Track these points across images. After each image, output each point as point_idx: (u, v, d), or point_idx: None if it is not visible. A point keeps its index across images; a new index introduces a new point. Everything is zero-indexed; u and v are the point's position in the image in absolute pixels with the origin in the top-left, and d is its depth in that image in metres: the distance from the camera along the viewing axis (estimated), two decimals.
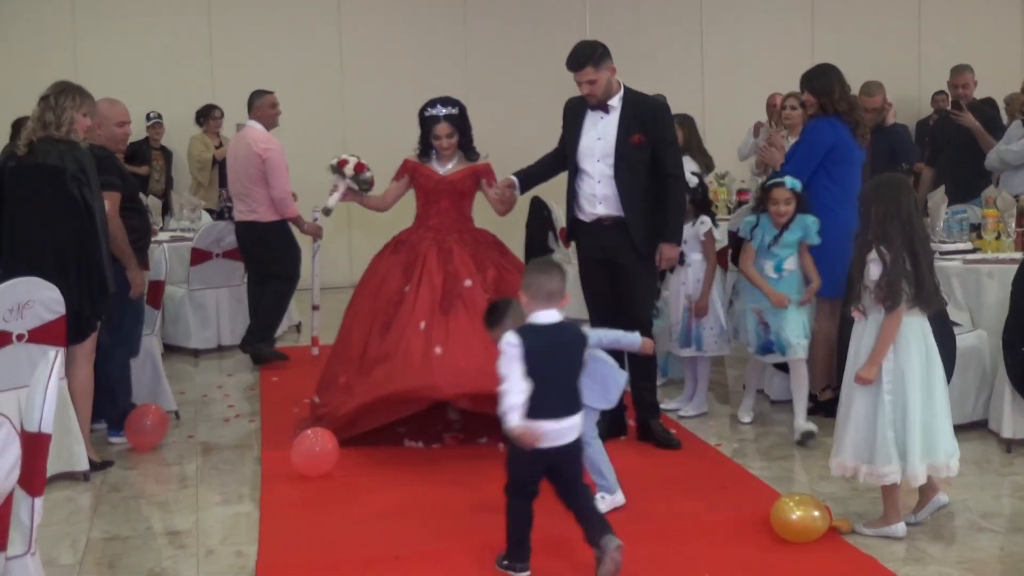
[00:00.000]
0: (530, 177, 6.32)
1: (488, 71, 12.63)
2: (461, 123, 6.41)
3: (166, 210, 10.82)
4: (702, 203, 6.68)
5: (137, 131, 11.63)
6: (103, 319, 6.00)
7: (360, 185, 6.55)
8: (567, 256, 7.93)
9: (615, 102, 5.96)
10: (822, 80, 6.47)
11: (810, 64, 6.85)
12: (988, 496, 5.32)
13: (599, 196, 5.98)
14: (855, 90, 7.12)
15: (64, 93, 5.76)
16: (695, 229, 6.57)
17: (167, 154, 12.03)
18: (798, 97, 8.02)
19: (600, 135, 5.97)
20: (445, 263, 6.17)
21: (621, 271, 5.99)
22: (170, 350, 8.88)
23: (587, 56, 5.85)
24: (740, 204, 9.45)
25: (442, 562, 4.61)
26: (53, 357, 3.47)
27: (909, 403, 4.62)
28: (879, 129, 8.44)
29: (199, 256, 8.82)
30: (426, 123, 6.39)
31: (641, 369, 6.03)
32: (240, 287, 9.12)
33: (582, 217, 6.09)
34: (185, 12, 12.22)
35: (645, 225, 5.95)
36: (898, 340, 4.66)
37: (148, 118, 11.71)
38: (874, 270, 4.63)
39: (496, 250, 6.43)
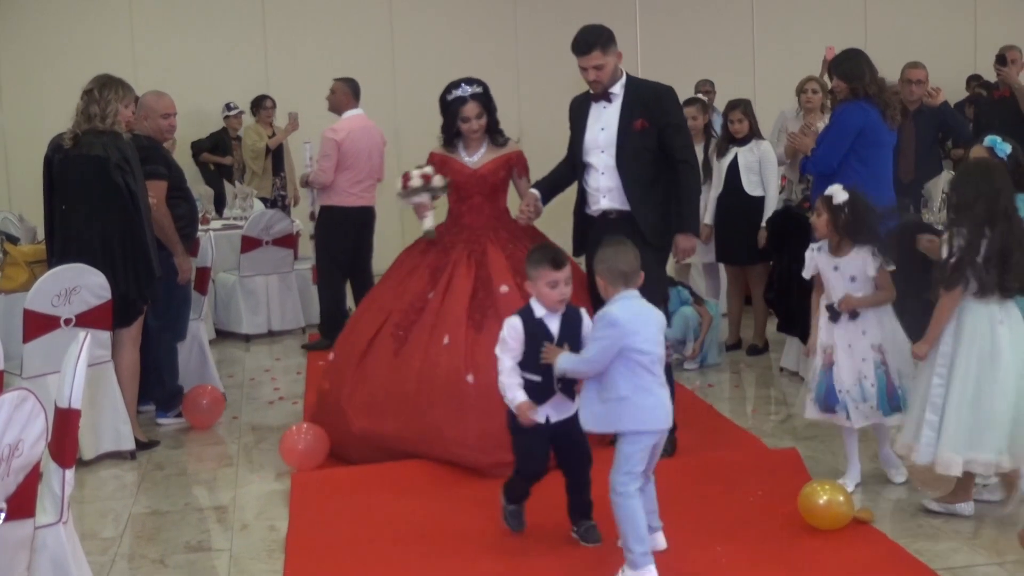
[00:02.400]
0: (549, 187, 5.92)
1: (539, 63, 12.69)
2: (488, 102, 5.99)
3: (220, 200, 11.05)
4: (851, 226, 5.06)
5: (216, 122, 11.96)
6: (149, 303, 6.22)
7: (440, 191, 6.00)
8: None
9: (617, 89, 5.68)
10: (851, 64, 6.48)
11: (863, 40, 6.85)
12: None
13: (603, 189, 5.69)
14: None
15: (107, 86, 5.98)
16: (863, 261, 5.04)
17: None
18: (818, 81, 8.10)
19: (603, 125, 5.70)
20: (477, 266, 5.80)
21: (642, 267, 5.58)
22: (222, 335, 9.15)
23: (595, 39, 5.58)
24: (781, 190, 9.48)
25: (468, 538, 4.72)
26: (83, 338, 3.65)
27: (952, 390, 4.63)
28: (924, 110, 8.44)
29: (249, 244, 9.04)
30: (451, 107, 5.95)
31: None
32: (290, 274, 9.34)
33: (590, 212, 5.80)
34: (239, 5, 12.45)
35: (653, 214, 5.62)
36: (959, 325, 4.66)
37: (228, 108, 11.97)
38: (944, 251, 4.68)
39: (527, 236, 6.02)
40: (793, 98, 11.39)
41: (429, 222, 6.03)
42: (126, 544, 4.86)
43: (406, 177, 5.97)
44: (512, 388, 4.39)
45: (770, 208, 7.79)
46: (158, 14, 12.23)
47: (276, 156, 11.44)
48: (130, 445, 6.03)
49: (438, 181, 5.94)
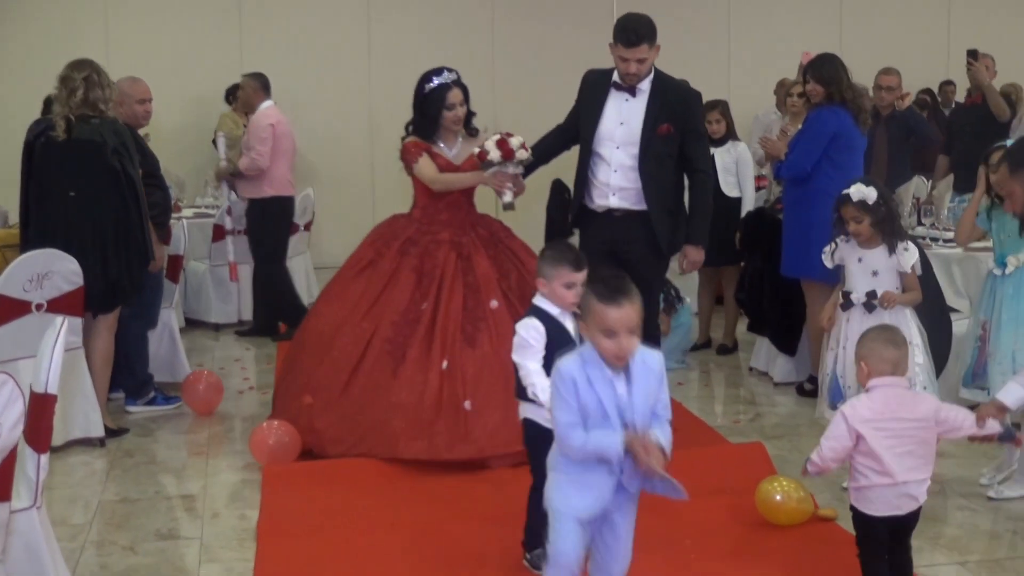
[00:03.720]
0: (538, 159, 5.70)
1: (515, 65, 12.66)
2: (466, 90, 5.79)
3: None
4: (891, 219, 5.11)
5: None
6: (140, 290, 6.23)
7: (523, 164, 5.54)
8: None
9: (644, 85, 5.49)
10: (829, 69, 6.54)
11: (838, 43, 6.90)
12: (970, 477, 5.41)
13: (613, 187, 5.52)
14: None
15: (100, 71, 5.97)
16: (894, 259, 5.09)
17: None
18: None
19: (624, 119, 5.50)
20: (465, 273, 5.58)
21: (630, 268, 5.24)
22: (192, 324, 9.10)
23: (645, 32, 5.36)
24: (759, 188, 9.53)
25: (439, 529, 4.75)
26: (60, 323, 3.64)
27: None
28: (896, 116, 8.54)
29: (221, 232, 9.00)
30: (434, 95, 5.66)
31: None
32: None
33: (591, 206, 5.61)
34: None
35: (669, 222, 5.53)
36: None
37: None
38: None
39: (509, 242, 5.91)
40: (768, 100, 11.54)
41: (509, 196, 5.54)
42: (95, 531, 4.85)
43: (484, 152, 5.48)
44: (542, 391, 3.86)
45: (746, 209, 7.82)
46: (133, 4, 12.15)
47: None
48: (100, 432, 6.01)
49: (522, 154, 5.47)
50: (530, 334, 3.97)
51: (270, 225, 8.59)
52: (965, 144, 8.98)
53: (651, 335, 5.39)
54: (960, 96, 12.24)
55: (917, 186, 8.74)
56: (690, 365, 7.81)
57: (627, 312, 3.19)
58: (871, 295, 5.08)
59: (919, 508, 3.77)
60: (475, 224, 5.84)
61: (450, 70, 5.75)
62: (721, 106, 7.92)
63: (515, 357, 4.02)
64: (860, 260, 5.13)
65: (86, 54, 6.32)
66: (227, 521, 4.96)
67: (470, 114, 5.83)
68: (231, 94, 11.73)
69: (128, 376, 6.64)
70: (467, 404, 5.24)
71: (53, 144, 5.92)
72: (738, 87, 12.81)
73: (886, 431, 3.67)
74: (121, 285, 6.01)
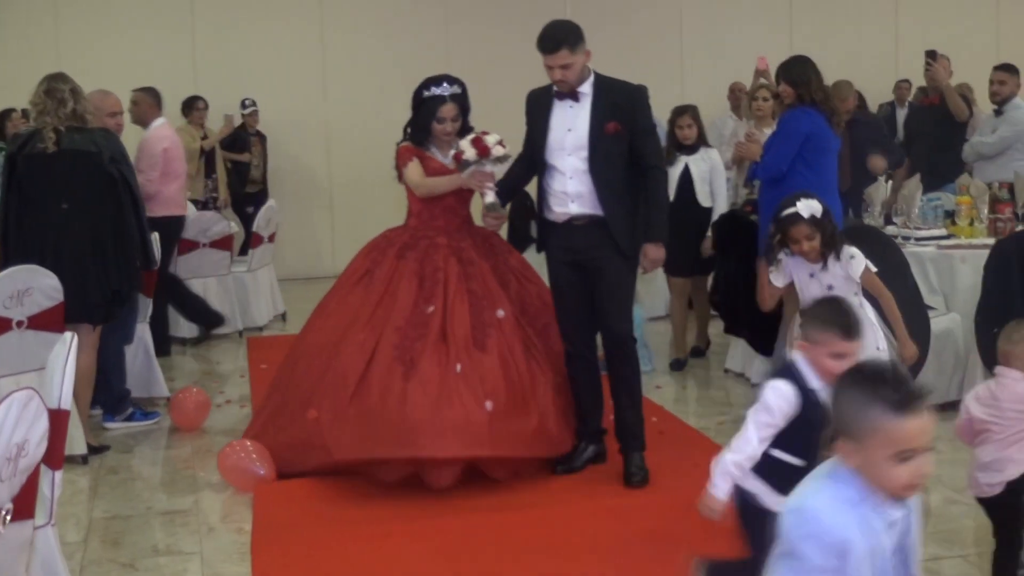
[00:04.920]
0: (508, 190, 5.62)
1: (471, 64, 12.66)
2: (465, 104, 5.69)
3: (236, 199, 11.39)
4: (833, 228, 4.88)
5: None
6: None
7: (501, 161, 5.43)
8: None
9: (586, 88, 5.30)
10: (799, 70, 6.60)
11: (788, 46, 6.97)
12: (962, 472, 5.49)
13: (571, 194, 5.32)
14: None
15: (70, 82, 5.91)
16: (842, 267, 4.82)
17: (264, 140, 12.11)
18: (769, 89, 8.09)
19: (571, 126, 5.31)
20: (468, 279, 5.46)
21: (598, 276, 5.32)
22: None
23: (563, 37, 5.20)
24: None
25: (434, 536, 4.74)
26: (70, 339, 3.60)
27: None
28: (858, 119, 8.65)
29: (187, 246, 8.93)
30: (427, 105, 5.59)
31: (624, 387, 5.45)
32: (227, 276, 9.27)
33: (552, 218, 5.43)
34: (168, 6, 12.29)
35: (627, 223, 5.33)
36: None
37: (244, 105, 11.83)
38: None
39: (503, 249, 5.89)
40: (723, 105, 11.67)
41: (491, 196, 5.41)
42: (92, 549, 4.78)
43: (459, 153, 5.38)
44: (726, 475, 3.35)
45: (716, 216, 7.64)
46: (84, 12, 12.03)
47: (208, 158, 11.36)
48: (82, 449, 5.93)
49: (499, 151, 5.35)
50: (776, 401, 3.32)
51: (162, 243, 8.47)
52: (925, 145, 9.14)
53: (630, 336, 5.43)
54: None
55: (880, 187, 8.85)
56: (658, 369, 7.81)
57: (926, 419, 2.29)
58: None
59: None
60: (471, 231, 5.78)
61: (452, 82, 5.65)
62: (691, 111, 7.74)
63: (749, 423, 3.37)
64: (812, 275, 4.85)
65: (37, 70, 6.26)
66: (224, 535, 4.92)
67: (467, 129, 5.66)
68: (187, 107, 11.66)
69: (106, 392, 6.56)
70: (488, 404, 5.09)
71: (41, 156, 5.84)
72: (692, 94, 12.86)
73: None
74: (123, 293, 5.98)
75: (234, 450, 5.53)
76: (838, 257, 4.76)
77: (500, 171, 5.48)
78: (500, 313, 5.42)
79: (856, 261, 4.75)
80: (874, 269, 4.82)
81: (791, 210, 4.79)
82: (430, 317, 5.31)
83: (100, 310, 5.94)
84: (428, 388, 5.08)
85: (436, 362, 5.16)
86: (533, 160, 5.47)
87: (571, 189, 5.32)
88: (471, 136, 5.41)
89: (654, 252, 5.38)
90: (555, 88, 5.36)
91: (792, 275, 4.92)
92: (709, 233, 7.65)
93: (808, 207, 4.74)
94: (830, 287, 4.79)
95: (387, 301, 5.43)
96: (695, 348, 8.15)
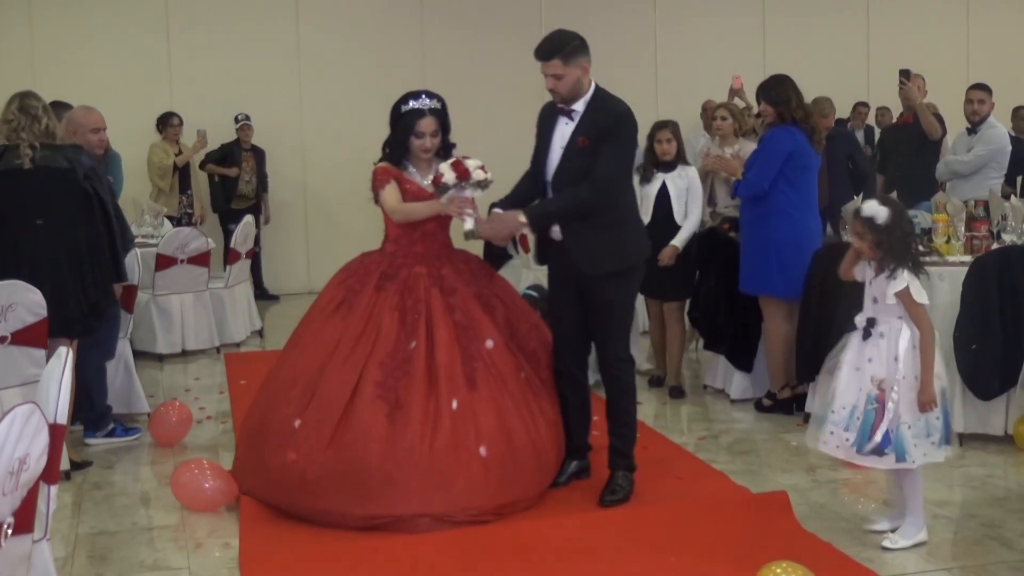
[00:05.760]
0: (513, 203, 5.35)
1: (446, 73, 12.70)
2: (445, 119, 5.46)
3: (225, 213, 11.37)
4: (900, 245, 4.65)
5: (227, 133, 11.78)
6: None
7: (481, 187, 5.24)
8: (526, 262, 8.00)
9: (579, 106, 5.18)
10: (779, 90, 6.70)
11: (761, 65, 7.02)
12: (942, 486, 5.57)
13: None
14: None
15: (44, 102, 5.91)
16: (886, 282, 4.65)
17: (259, 154, 12.05)
18: (728, 108, 8.00)
19: (563, 143, 5.21)
20: (452, 310, 5.24)
21: (592, 296, 5.23)
22: (136, 355, 8.94)
23: (558, 47, 5.10)
24: None
25: (419, 550, 4.73)
26: (65, 353, 3.60)
27: None
28: (834, 136, 8.76)
29: (164, 262, 8.92)
30: (405, 119, 5.37)
31: (615, 409, 5.37)
32: (204, 292, 9.26)
33: (551, 234, 5.28)
34: (143, 22, 12.27)
35: (590, 242, 5.14)
36: None
37: (236, 120, 11.82)
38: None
39: (485, 273, 5.64)
40: (696, 123, 11.76)
41: (470, 223, 5.18)
42: (79, 565, 4.77)
43: (438, 176, 5.20)
44: None
45: (686, 234, 7.26)
46: (59, 28, 11.99)
47: (183, 174, 11.36)
48: (65, 466, 5.89)
49: (479, 175, 5.16)
50: None
51: None
52: (899, 163, 9.26)
53: (620, 358, 5.34)
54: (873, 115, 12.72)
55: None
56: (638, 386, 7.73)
57: None
58: (870, 322, 4.68)
59: None
60: (451, 257, 5.51)
61: (431, 96, 5.43)
62: (672, 126, 7.45)
63: None
64: (869, 283, 4.75)
65: (11, 86, 6.25)
66: (212, 551, 4.90)
67: (448, 145, 5.51)
68: (162, 123, 11.65)
69: (87, 408, 6.53)
70: (482, 450, 4.96)
71: (17, 172, 5.82)
72: (665, 112, 12.97)
73: None
74: (101, 306, 5.97)
75: (188, 468, 5.50)
76: (891, 274, 4.61)
77: (480, 197, 5.27)
78: (489, 343, 5.23)
79: (897, 281, 4.59)
80: (922, 301, 4.64)
81: (858, 205, 4.81)
82: (412, 353, 5.09)
83: (77, 324, 5.92)
84: (415, 434, 4.91)
85: (428, 400, 4.99)
86: (537, 177, 5.36)
87: None
88: (451, 160, 5.26)
89: (511, 219, 5.18)
90: (557, 104, 5.26)
91: (863, 275, 4.81)
92: (673, 242, 7.21)
93: (870, 208, 4.65)
94: (875, 300, 4.70)
95: (367, 336, 5.17)
96: (674, 388, 7.61)
